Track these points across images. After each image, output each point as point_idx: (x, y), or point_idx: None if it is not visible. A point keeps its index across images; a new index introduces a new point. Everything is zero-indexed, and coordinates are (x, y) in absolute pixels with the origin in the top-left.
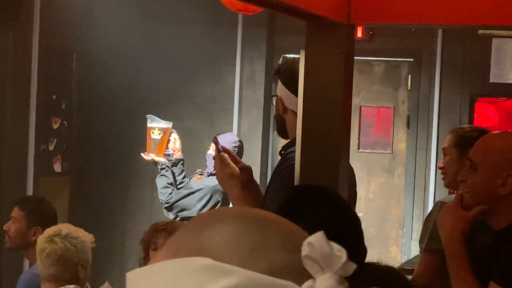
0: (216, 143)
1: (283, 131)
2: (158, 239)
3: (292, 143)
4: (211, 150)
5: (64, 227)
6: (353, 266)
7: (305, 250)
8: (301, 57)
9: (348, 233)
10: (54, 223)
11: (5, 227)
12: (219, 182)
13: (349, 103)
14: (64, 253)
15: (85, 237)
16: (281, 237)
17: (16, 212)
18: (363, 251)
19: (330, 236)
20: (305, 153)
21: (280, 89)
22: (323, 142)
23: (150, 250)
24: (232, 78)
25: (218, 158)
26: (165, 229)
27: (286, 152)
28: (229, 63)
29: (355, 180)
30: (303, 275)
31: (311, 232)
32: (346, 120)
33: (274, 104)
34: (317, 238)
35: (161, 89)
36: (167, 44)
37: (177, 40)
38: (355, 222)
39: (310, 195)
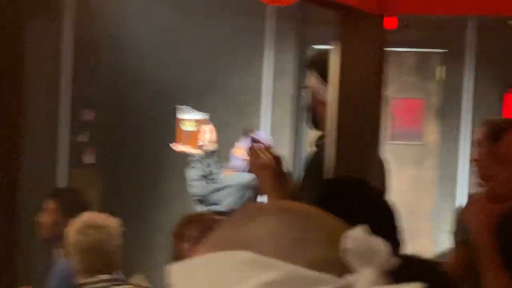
0: (249, 135)
1: (314, 123)
2: (190, 230)
3: (324, 135)
4: (236, 153)
5: (91, 217)
6: (395, 260)
7: (347, 243)
8: (333, 48)
9: (385, 226)
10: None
11: (39, 219)
12: (252, 171)
13: (381, 95)
14: (97, 244)
15: (114, 223)
16: (323, 230)
17: (50, 204)
18: (399, 244)
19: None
20: (336, 145)
21: (314, 81)
22: (354, 134)
23: (181, 241)
24: (262, 69)
25: (252, 149)
26: (196, 221)
27: (321, 144)
28: (259, 54)
29: (386, 172)
30: (345, 269)
31: (348, 225)
32: (378, 111)
33: (306, 95)
34: (359, 232)
35: (192, 81)
36: (198, 36)
37: (207, 31)
38: (392, 215)
39: (345, 188)
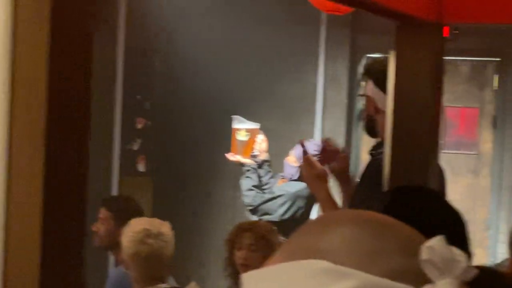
0: (303, 145)
1: (373, 132)
2: (243, 238)
3: (382, 143)
4: (289, 161)
5: (148, 224)
6: (473, 271)
7: (425, 254)
8: (391, 57)
9: (458, 237)
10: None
11: (93, 229)
12: (306, 183)
13: (438, 104)
14: (158, 253)
15: (169, 229)
16: (399, 240)
17: (103, 212)
18: (470, 256)
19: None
20: (394, 154)
21: (371, 89)
22: (412, 143)
23: (234, 250)
24: (315, 78)
25: (305, 160)
26: (250, 229)
27: (376, 153)
28: (312, 62)
29: (445, 181)
30: (422, 280)
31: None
32: (436, 120)
33: (364, 104)
34: (437, 242)
35: (244, 89)
36: (251, 44)
37: (260, 40)
38: (464, 226)
39: (417, 196)
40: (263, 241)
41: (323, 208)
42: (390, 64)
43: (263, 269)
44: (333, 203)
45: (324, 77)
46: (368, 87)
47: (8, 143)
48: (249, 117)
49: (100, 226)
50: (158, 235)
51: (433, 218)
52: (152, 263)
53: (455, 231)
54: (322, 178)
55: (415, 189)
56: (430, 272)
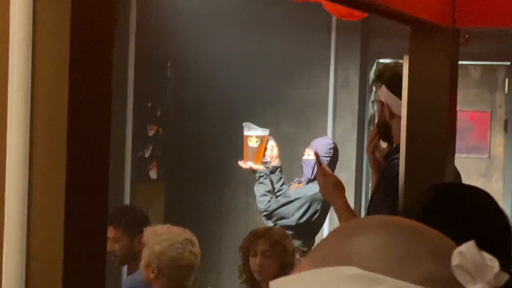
0: (317, 156)
1: (387, 137)
2: (258, 245)
3: (397, 149)
4: (307, 156)
5: (184, 233)
6: (505, 277)
7: (456, 259)
8: (405, 62)
9: (500, 238)
10: (149, 223)
11: (108, 249)
12: (322, 194)
13: (454, 108)
14: (195, 262)
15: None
16: (429, 246)
17: (112, 232)
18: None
19: (481, 244)
20: (409, 159)
21: (386, 95)
22: (428, 148)
23: (249, 256)
24: (326, 83)
25: (320, 171)
26: (264, 235)
27: (391, 159)
28: (323, 68)
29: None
30: (453, 285)
31: (458, 237)
32: (451, 125)
33: (376, 109)
34: (469, 247)
35: (255, 95)
36: (262, 50)
37: (271, 45)
38: (507, 228)
39: (461, 195)
40: (277, 246)
41: (340, 217)
42: (404, 68)
43: (292, 276)
44: (350, 212)
45: (335, 82)
46: (381, 92)
47: (29, 148)
48: (261, 123)
49: (113, 245)
50: (195, 245)
51: (483, 217)
52: (186, 272)
53: (499, 233)
54: (338, 188)
55: (463, 187)
56: (461, 277)
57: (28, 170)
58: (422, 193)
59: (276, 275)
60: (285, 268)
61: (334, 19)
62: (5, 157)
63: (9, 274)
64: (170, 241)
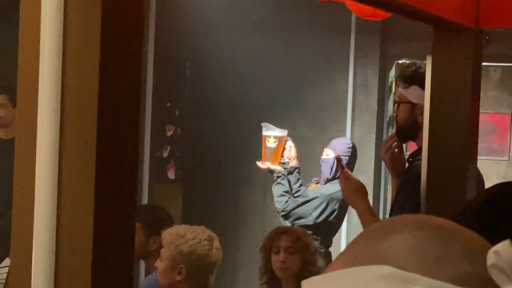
0: (339, 160)
1: (412, 137)
2: (280, 241)
3: (420, 150)
4: (325, 155)
5: (207, 231)
6: None
7: (491, 259)
8: (428, 62)
9: None
10: (169, 226)
11: None
12: (344, 197)
13: (476, 110)
14: (218, 261)
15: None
16: (464, 245)
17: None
18: None
19: None
20: (431, 160)
21: (418, 95)
22: (450, 149)
23: (271, 254)
24: (345, 84)
25: (342, 174)
26: (287, 232)
27: (413, 160)
28: (342, 69)
29: (484, 187)
30: (488, 285)
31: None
32: (473, 126)
33: (399, 110)
34: (504, 247)
35: (273, 96)
36: (280, 51)
37: (289, 46)
38: None
39: None
40: (300, 243)
41: (363, 221)
42: (427, 69)
43: (324, 275)
44: (373, 215)
45: (354, 84)
46: (411, 92)
47: (59, 148)
48: (280, 124)
49: None
50: (217, 240)
51: None
52: (213, 269)
53: None
54: (360, 191)
55: None
56: (496, 277)
57: (57, 169)
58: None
59: (299, 273)
60: (307, 266)
61: (353, 20)
62: (35, 156)
63: (39, 271)
64: (196, 240)
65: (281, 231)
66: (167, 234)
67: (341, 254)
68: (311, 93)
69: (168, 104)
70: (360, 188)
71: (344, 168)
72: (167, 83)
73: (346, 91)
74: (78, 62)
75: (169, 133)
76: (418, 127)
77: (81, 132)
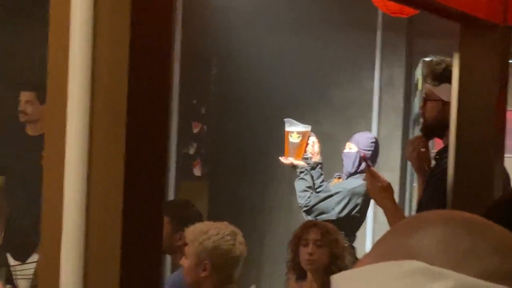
0: (366, 158)
1: (439, 135)
2: (309, 234)
3: (448, 148)
4: (348, 149)
5: (231, 227)
6: None
7: None
8: (455, 59)
9: None
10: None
11: None
12: (371, 196)
13: (503, 107)
14: (244, 256)
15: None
16: (493, 240)
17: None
18: None
19: None
20: (458, 158)
21: (449, 93)
22: (477, 147)
23: (300, 246)
24: (370, 82)
25: (369, 173)
26: (316, 225)
27: (441, 157)
28: (367, 67)
29: (510, 184)
30: None
31: None
32: (500, 124)
33: (421, 108)
34: None
35: (299, 93)
36: (306, 48)
37: (315, 44)
38: None
39: None
40: (329, 236)
41: (390, 219)
42: (454, 66)
43: (354, 270)
44: (400, 213)
45: (380, 82)
46: (442, 91)
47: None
48: (305, 121)
49: None
50: (240, 235)
51: None
52: (237, 264)
53: None
54: (386, 190)
55: None
56: None
57: (87, 166)
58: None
59: (327, 266)
60: (335, 260)
61: (379, 18)
62: (64, 153)
63: (68, 265)
64: (220, 235)
65: (310, 224)
66: (190, 231)
67: (371, 250)
68: (337, 91)
69: (194, 101)
70: (387, 187)
71: (370, 166)
72: (193, 80)
73: (372, 89)
74: (108, 58)
75: (195, 130)
76: (447, 125)
77: (110, 129)
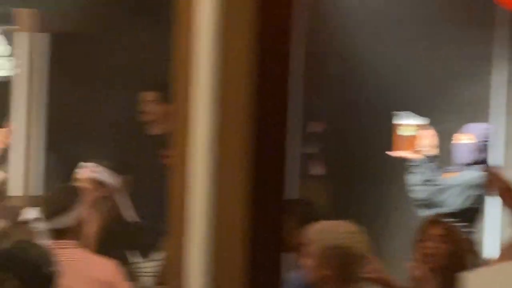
0: (487, 164)
1: None
2: (431, 230)
3: None
4: (464, 140)
5: (349, 225)
6: None
7: None
8: None
9: None
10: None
11: None
12: (500, 196)
13: None
14: (366, 251)
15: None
16: None
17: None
18: None
19: None
20: None
21: None
22: None
23: (422, 242)
24: (489, 80)
25: (492, 175)
26: (438, 221)
27: None
28: (486, 64)
29: None
30: None
31: None
32: None
33: None
34: None
35: (417, 91)
36: (422, 45)
37: (432, 40)
38: None
39: None
40: (452, 233)
41: None
42: None
43: (489, 268)
44: None
45: (499, 79)
46: None
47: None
48: (419, 115)
49: None
50: (361, 233)
51: None
52: (360, 262)
53: None
54: (507, 190)
55: None
56: None
57: (213, 166)
58: None
59: (448, 263)
60: (459, 258)
61: (498, 14)
62: (190, 154)
63: (194, 261)
64: (342, 234)
65: (433, 220)
66: (311, 231)
67: (504, 249)
68: (455, 89)
69: (316, 101)
70: (507, 187)
71: (493, 168)
72: (315, 79)
73: (491, 86)
74: (233, 59)
75: (317, 129)
76: None
77: (234, 128)
